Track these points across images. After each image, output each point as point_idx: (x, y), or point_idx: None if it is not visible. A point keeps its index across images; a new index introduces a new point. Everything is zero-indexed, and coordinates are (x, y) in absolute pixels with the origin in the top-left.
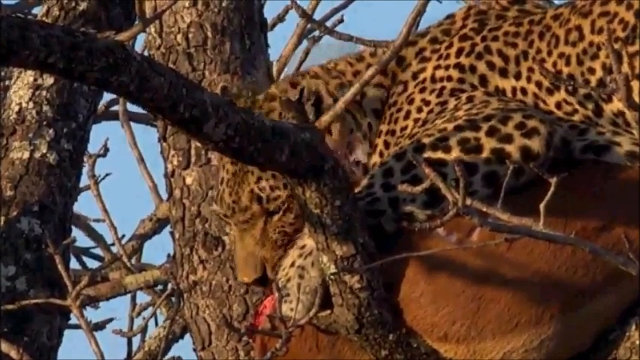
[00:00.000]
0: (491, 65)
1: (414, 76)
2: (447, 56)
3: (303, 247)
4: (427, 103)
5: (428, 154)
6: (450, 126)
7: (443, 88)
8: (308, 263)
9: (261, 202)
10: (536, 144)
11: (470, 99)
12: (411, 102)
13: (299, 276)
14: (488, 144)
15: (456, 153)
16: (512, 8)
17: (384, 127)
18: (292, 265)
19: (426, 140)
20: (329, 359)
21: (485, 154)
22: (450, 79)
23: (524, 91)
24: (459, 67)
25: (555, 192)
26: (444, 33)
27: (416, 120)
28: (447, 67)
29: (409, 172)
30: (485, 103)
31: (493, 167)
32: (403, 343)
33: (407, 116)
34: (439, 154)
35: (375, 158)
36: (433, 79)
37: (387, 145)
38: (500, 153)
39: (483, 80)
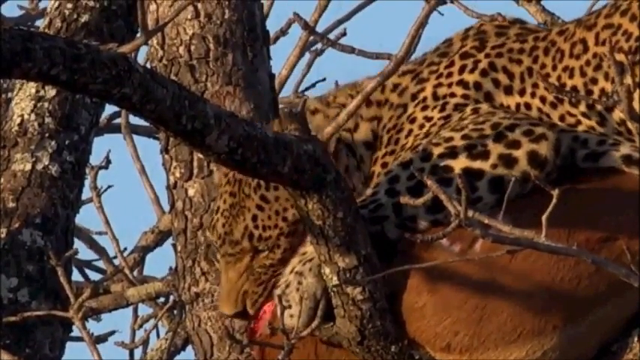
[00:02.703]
0: (496, 82)
1: (413, 97)
2: (449, 74)
3: (304, 253)
4: (429, 119)
5: (434, 161)
6: (457, 135)
7: (446, 103)
8: (306, 269)
9: (252, 240)
10: (544, 148)
11: (475, 110)
12: (412, 121)
13: (297, 282)
14: (496, 149)
15: (462, 159)
16: (513, 26)
17: (380, 152)
18: (292, 271)
19: (432, 148)
20: None
21: (492, 159)
22: (453, 95)
23: (528, 107)
24: (462, 83)
25: (558, 203)
26: (441, 56)
27: (417, 137)
28: (449, 85)
29: (415, 179)
30: (492, 113)
31: (500, 172)
32: (405, 354)
33: (408, 134)
34: (446, 161)
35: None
36: (435, 97)
37: (384, 166)
38: (508, 158)
39: (488, 97)
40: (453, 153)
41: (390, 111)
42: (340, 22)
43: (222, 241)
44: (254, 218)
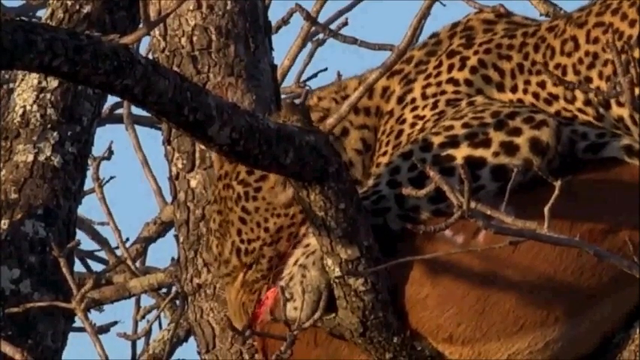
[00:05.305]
0: (487, 79)
1: (400, 99)
2: (438, 74)
3: (307, 245)
4: (421, 117)
5: (435, 151)
6: (457, 123)
7: (437, 101)
8: (309, 262)
9: (239, 256)
10: (545, 134)
11: (471, 103)
12: (402, 122)
13: (301, 275)
14: (497, 137)
15: (464, 148)
16: (500, 21)
17: (374, 159)
18: (295, 263)
19: (432, 138)
20: (326, 356)
21: (493, 147)
22: (443, 93)
23: (520, 103)
24: (452, 81)
25: (560, 195)
26: (429, 54)
27: (410, 135)
28: (438, 84)
29: (416, 170)
30: (489, 103)
31: (502, 160)
32: (408, 345)
33: (399, 135)
34: (447, 150)
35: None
36: (424, 97)
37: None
38: (509, 146)
39: (480, 94)
40: (454, 142)
41: (380, 120)
42: (342, 12)
43: (218, 263)
44: (239, 232)
